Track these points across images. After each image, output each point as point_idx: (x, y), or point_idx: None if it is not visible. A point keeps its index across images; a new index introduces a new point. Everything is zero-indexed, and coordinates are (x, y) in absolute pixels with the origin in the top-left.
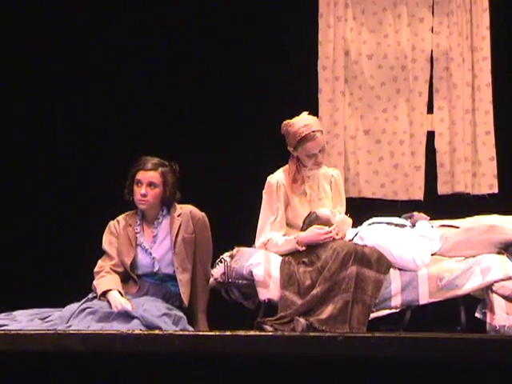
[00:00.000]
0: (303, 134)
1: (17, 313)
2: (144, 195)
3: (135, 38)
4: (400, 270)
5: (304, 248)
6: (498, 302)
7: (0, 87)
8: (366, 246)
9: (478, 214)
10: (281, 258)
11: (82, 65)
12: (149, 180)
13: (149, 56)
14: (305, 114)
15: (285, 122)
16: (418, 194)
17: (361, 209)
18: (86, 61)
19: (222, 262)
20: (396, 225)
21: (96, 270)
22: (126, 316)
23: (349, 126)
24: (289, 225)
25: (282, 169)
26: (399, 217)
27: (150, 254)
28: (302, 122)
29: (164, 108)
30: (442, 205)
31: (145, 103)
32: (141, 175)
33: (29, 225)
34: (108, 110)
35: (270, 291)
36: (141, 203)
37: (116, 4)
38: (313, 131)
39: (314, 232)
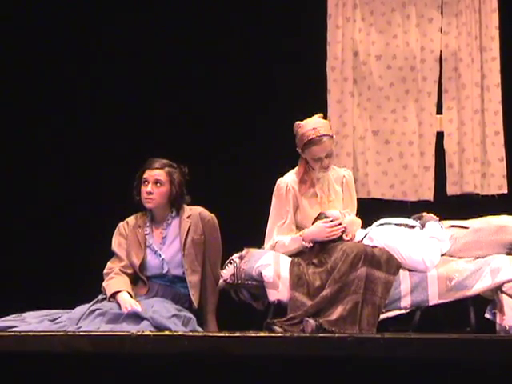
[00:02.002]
0: (310, 137)
1: (26, 314)
2: (150, 193)
3: (146, 46)
4: (409, 270)
5: (311, 244)
6: (507, 302)
7: (10, 88)
8: (375, 247)
9: (487, 215)
10: (290, 259)
11: (96, 69)
12: (155, 178)
13: (161, 62)
14: (317, 116)
15: (296, 123)
16: (428, 195)
17: (370, 210)
18: (98, 65)
19: (231, 263)
20: (405, 225)
21: (105, 271)
22: (136, 317)
23: (358, 127)
24: (298, 227)
25: (292, 171)
26: (408, 217)
27: (160, 255)
28: (311, 124)
29: (175, 111)
30: (452, 205)
31: (156, 107)
32: (147, 174)
33: (38, 226)
34: (120, 113)
35: (280, 292)
36: (147, 201)
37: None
38: (320, 135)
39: (319, 226)
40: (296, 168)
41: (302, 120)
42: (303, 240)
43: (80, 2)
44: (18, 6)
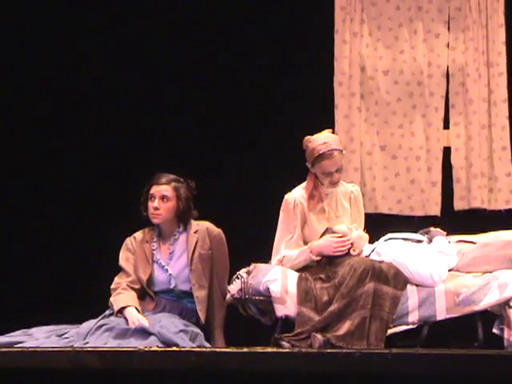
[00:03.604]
0: (321, 152)
1: (34, 330)
2: (156, 208)
3: (152, 56)
4: (417, 285)
5: (319, 258)
6: None
7: (13, 102)
8: (382, 262)
9: (494, 230)
10: (298, 274)
11: (106, 81)
12: (161, 193)
13: (171, 76)
14: (326, 131)
15: (305, 138)
16: (435, 210)
17: (377, 224)
18: (108, 77)
19: (238, 278)
20: (413, 240)
21: (113, 286)
22: (143, 332)
23: (365, 142)
24: (306, 242)
25: (300, 186)
26: (416, 232)
27: (167, 270)
28: (321, 139)
29: (182, 125)
30: (459, 220)
31: (163, 121)
32: (154, 189)
33: (45, 241)
34: (127, 127)
35: (287, 307)
36: (154, 217)
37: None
38: (331, 149)
39: (328, 240)
40: (304, 183)
41: (309, 135)
42: (311, 252)
43: (93, 6)
44: (22, 10)
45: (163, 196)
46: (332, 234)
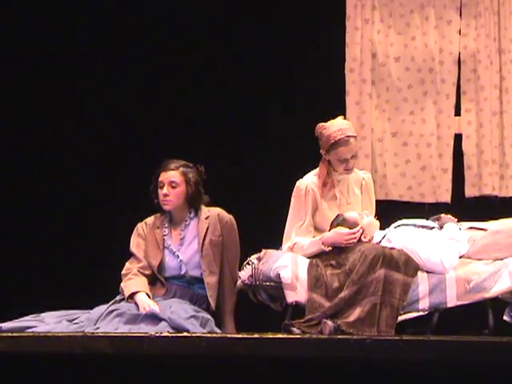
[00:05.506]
0: (337, 138)
1: (45, 314)
2: (166, 195)
3: (159, 45)
4: (428, 272)
5: (330, 248)
6: None
7: (19, 95)
8: (393, 248)
9: (505, 217)
10: (308, 261)
11: (111, 68)
12: (170, 180)
13: (174, 60)
14: (340, 118)
15: (319, 125)
16: (445, 197)
17: (388, 211)
18: (111, 66)
19: (249, 264)
20: (424, 227)
21: (123, 272)
22: (154, 318)
23: (376, 129)
24: (317, 229)
25: (311, 172)
26: (427, 219)
27: (178, 256)
28: (336, 125)
29: (192, 110)
30: (470, 207)
31: (172, 106)
32: (162, 176)
33: (57, 226)
34: (134, 114)
35: (298, 294)
36: (164, 204)
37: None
38: (347, 136)
39: (338, 233)
40: (315, 170)
41: (321, 121)
42: (322, 244)
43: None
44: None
45: (172, 182)
46: (343, 220)
